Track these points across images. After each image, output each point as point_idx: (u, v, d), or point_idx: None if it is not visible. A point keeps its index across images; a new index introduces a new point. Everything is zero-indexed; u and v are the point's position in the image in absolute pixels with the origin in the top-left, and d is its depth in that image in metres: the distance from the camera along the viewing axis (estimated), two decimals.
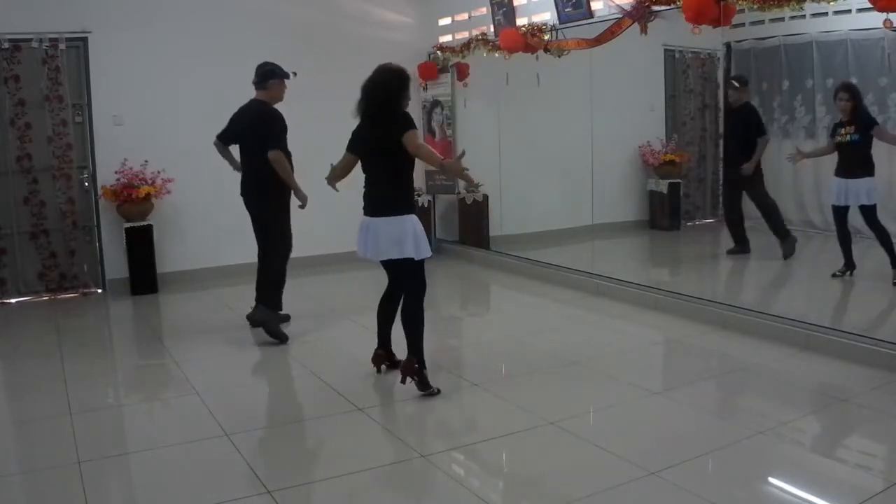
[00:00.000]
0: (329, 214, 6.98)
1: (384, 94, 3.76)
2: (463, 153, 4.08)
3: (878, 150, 6.28)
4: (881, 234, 5.59)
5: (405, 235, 3.78)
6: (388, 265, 3.96)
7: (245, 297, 5.25)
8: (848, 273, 5.82)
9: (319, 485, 3.02)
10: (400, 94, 3.79)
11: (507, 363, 4.53)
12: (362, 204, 3.90)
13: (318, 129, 6.81)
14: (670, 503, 2.77)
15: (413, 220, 3.82)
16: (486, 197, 7.71)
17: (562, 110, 7.73)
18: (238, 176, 5.03)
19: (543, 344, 4.82)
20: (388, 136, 3.77)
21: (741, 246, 6.89)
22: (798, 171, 7.76)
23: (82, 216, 6.40)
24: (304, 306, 5.77)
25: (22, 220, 6.19)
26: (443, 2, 7.70)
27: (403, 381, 3.87)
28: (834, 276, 5.86)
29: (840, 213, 5.78)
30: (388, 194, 3.84)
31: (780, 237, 6.71)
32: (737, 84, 6.72)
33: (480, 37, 6.96)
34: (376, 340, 4.19)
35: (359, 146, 3.90)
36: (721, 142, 8.78)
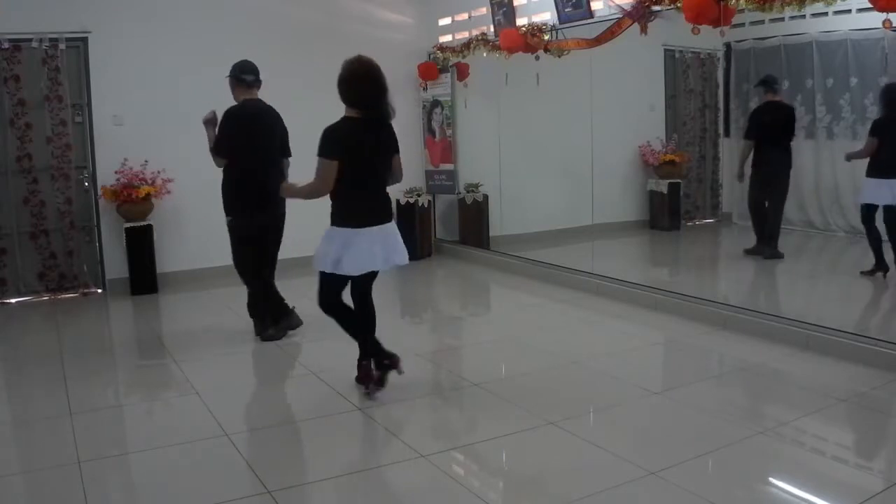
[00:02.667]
0: (328, 215, 7.01)
1: (385, 92, 3.72)
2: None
3: None
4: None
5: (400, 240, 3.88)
6: (372, 275, 3.88)
7: (242, 296, 5.23)
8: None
9: (319, 485, 3.02)
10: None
11: (507, 363, 4.53)
12: (351, 213, 3.70)
13: (317, 129, 6.83)
14: (670, 503, 2.77)
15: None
16: (486, 197, 7.71)
17: (562, 110, 7.73)
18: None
19: (543, 344, 4.82)
20: (396, 142, 3.85)
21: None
22: (798, 172, 7.76)
23: (82, 216, 6.41)
24: (304, 306, 5.76)
25: (22, 220, 6.19)
26: (443, 2, 7.70)
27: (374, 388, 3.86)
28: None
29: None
30: (388, 199, 3.86)
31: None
32: None
33: (480, 37, 6.96)
34: (370, 352, 3.96)
35: (360, 148, 3.67)
36: (720, 142, 8.82)
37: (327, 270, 3.70)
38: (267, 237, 4.85)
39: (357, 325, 3.95)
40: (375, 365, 3.90)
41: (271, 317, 4.95)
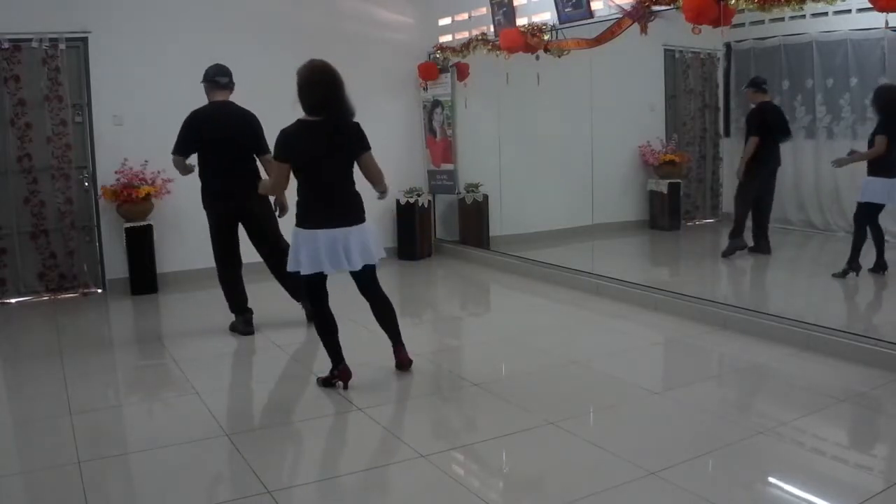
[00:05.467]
0: None
1: (344, 94, 3.74)
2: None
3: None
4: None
5: (372, 240, 3.92)
6: (366, 273, 4.01)
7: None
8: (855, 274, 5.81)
9: (319, 485, 3.02)
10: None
11: (507, 363, 4.54)
12: (305, 214, 3.79)
13: None
14: (670, 503, 2.77)
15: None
16: (486, 197, 7.71)
17: (562, 110, 7.73)
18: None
19: (543, 344, 4.82)
20: (361, 141, 3.84)
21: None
22: (798, 172, 7.76)
23: (82, 216, 6.41)
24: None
25: (22, 220, 6.19)
26: (443, 2, 7.70)
27: (406, 369, 4.16)
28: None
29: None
30: (355, 200, 3.88)
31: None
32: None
33: (480, 37, 6.96)
34: (333, 359, 3.96)
35: (311, 152, 3.75)
36: (720, 142, 8.82)
37: (290, 269, 3.84)
38: (237, 227, 5.08)
39: (328, 335, 3.97)
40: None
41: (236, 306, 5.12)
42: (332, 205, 3.79)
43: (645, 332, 5.13)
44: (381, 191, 4.00)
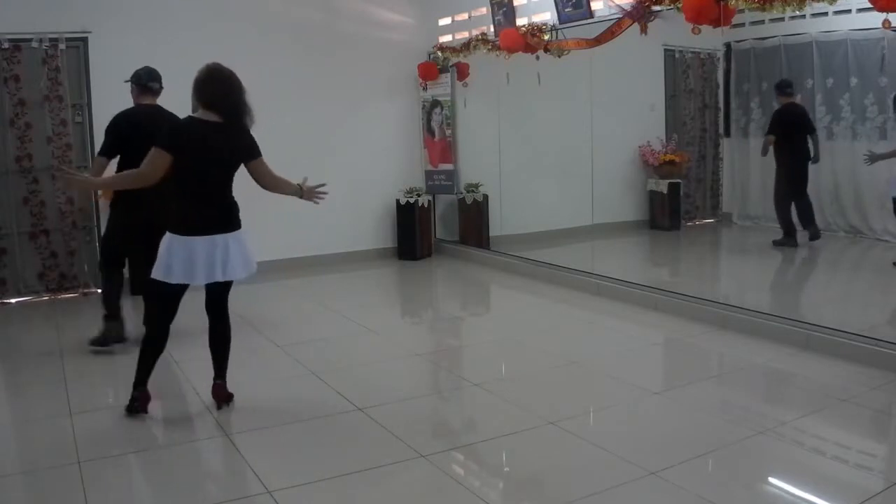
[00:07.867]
0: (329, 216, 6.99)
1: (244, 100, 3.58)
2: None
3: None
4: None
5: (249, 248, 3.67)
6: (222, 286, 3.74)
7: (243, 296, 5.23)
8: None
9: (319, 485, 3.02)
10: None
11: (507, 363, 4.54)
12: (183, 219, 3.50)
13: (318, 129, 6.81)
14: (670, 503, 2.77)
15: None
16: (486, 197, 7.71)
17: (562, 110, 7.74)
18: None
19: (543, 344, 4.82)
20: (251, 149, 3.61)
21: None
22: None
23: (82, 216, 6.40)
24: (304, 306, 5.77)
25: (22, 220, 6.19)
26: (443, 2, 7.70)
27: (220, 408, 3.75)
28: None
29: None
30: (234, 206, 3.63)
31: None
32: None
33: (480, 37, 6.96)
34: (140, 380, 3.70)
35: (200, 150, 3.46)
36: (721, 142, 8.83)
37: (157, 278, 3.54)
38: (142, 240, 4.48)
39: (153, 355, 3.72)
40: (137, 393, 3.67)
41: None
42: (213, 210, 3.55)
43: (645, 332, 5.13)
44: (295, 192, 3.76)
